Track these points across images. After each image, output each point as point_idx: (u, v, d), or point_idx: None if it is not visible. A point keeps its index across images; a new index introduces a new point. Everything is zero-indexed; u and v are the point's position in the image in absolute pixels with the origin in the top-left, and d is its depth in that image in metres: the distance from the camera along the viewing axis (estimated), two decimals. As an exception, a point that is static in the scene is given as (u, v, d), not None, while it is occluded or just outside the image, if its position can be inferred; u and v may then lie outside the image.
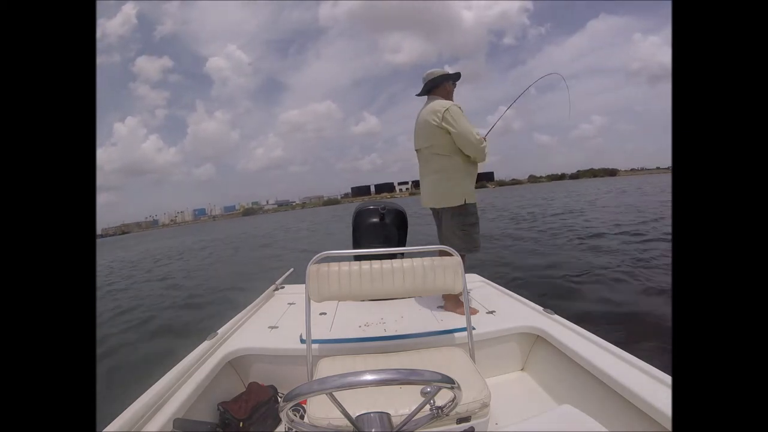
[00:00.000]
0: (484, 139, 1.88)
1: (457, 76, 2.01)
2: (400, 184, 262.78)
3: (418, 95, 2.04)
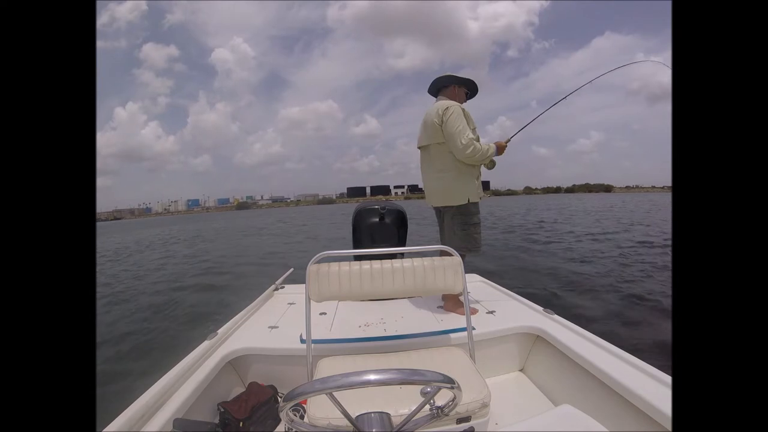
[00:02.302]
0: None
1: (471, 85, 2.01)
2: (396, 187, 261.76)
3: (428, 90, 2.07)
